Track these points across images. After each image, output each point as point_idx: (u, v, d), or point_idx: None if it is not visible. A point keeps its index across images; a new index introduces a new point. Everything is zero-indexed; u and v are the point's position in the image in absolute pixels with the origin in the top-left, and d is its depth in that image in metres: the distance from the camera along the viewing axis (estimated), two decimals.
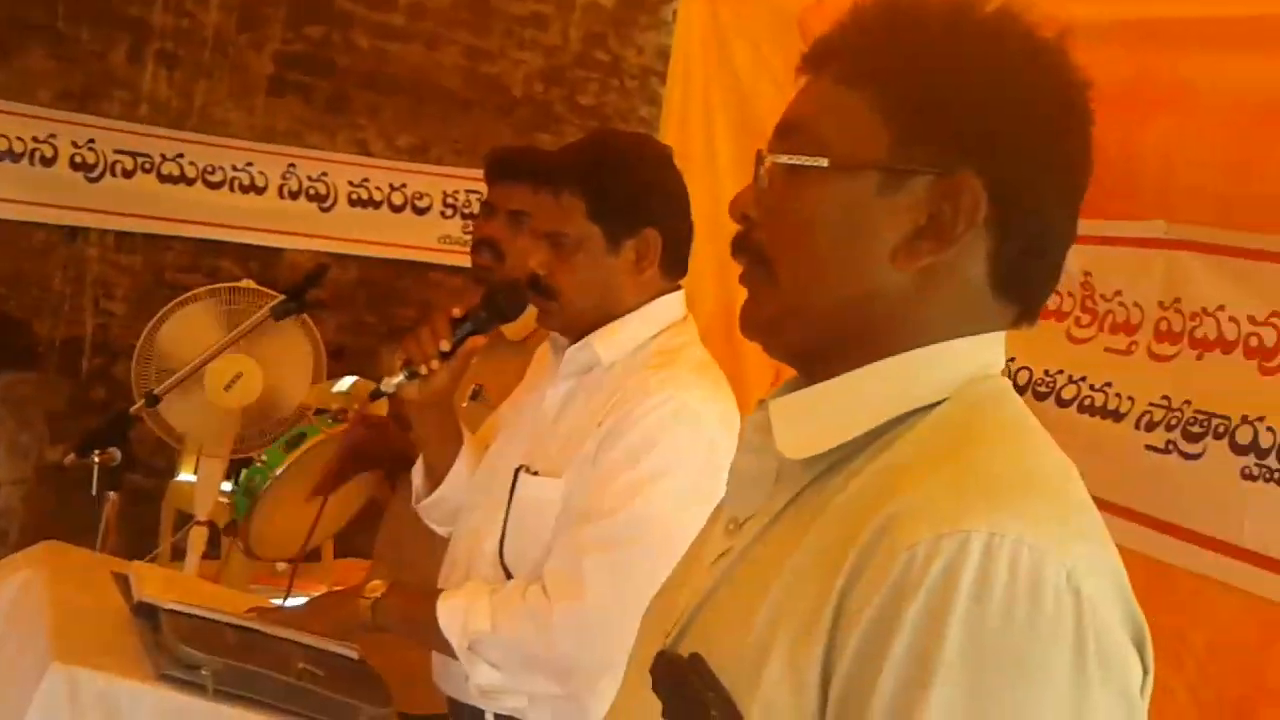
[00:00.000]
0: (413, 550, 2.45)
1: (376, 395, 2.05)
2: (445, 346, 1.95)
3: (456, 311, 2.00)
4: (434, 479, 2.10)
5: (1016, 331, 1.01)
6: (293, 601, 2.41)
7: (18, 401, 4.51)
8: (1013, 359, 2.28)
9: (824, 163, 0.95)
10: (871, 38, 0.98)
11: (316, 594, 2.42)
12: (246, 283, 3.77)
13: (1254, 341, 1.92)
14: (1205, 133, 2.00)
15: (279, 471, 3.10)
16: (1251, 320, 1.92)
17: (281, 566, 3.42)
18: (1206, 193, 1.99)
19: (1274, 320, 1.89)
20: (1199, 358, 1.98)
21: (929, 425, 0.93)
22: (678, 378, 1.84)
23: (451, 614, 1.82)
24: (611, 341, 1.92)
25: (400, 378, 1.95)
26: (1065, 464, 0.94)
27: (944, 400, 0.94)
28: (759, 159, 1.00)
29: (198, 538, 3.39)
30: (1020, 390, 2.25)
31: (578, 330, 1.95)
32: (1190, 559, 1.88)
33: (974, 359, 0.97)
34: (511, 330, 2.54)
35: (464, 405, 2.49)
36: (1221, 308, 1.96)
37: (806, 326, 0.99)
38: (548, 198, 1.93)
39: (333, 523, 3.11)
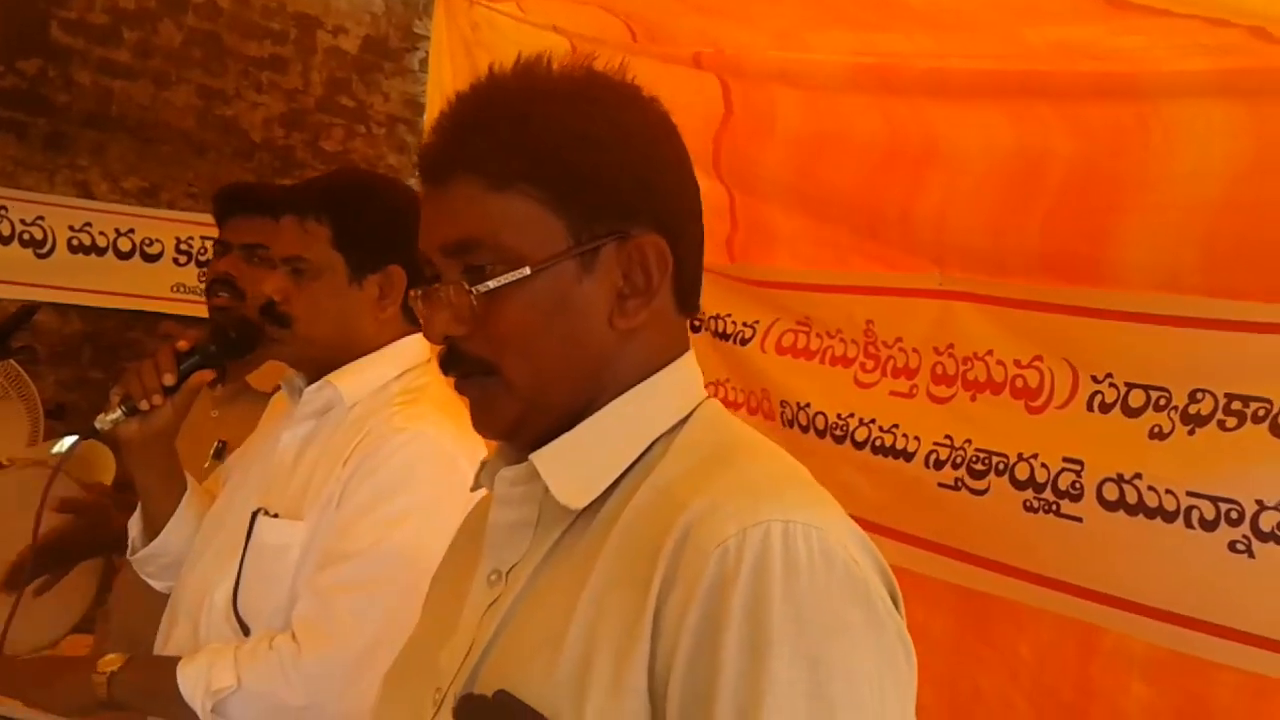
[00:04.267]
0: (145, 620, 2.29)
1: (91, 434, 1.89)
2: (169, 381, 1.85)
3: (183, 345, 1.91)
4: (153, 529, 1.98)
5: (811, 378, 1.20)
6: None
7: None
8: (808, 404, 2.36)
9: (526, 272, 1.01)
10: (497, 135, 1.03)
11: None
12: None
13: (1019, 383, 2.04)
14: (967, 188, 2.12)
15: None
16: (1017, 364, 2.04)
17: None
18: (975, 245, 2.12)
19: (1037, 363, 2.01)
20: (973, 399, 2.09)
21: (683, 446, 1.05)
22: (425, 415, 1.81)
23: (194, 676, 1.71)
24: (353, 381, 1.86)
25: (118, 414, 1.83)
26: (794, 461, 1.06)
27: (681, 422, 1.06)
28: (434, 283, 1.06)
29: None
30: (819, 433, 2.32)
31: (310, 363, 1.89)
32: (996, 586, 2.00)
33: (689, 379, 1.10)
34: (258, 381, 2.43)
35: (206, 465, 2.35)
36: (990, 352, 2.08)
37: (549, 412, 1.06)
38: (292, 222, 1.86)
39: (72, 612, 2.79)
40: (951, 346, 2.11)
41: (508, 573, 1.06)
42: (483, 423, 1.08)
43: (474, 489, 1.17)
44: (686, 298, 1.10)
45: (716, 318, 2.61)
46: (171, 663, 1.74)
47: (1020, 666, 2.06)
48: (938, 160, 2.18)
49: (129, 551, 2.02)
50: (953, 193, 2.16)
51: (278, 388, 2.38)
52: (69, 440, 3.40)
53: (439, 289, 1.06)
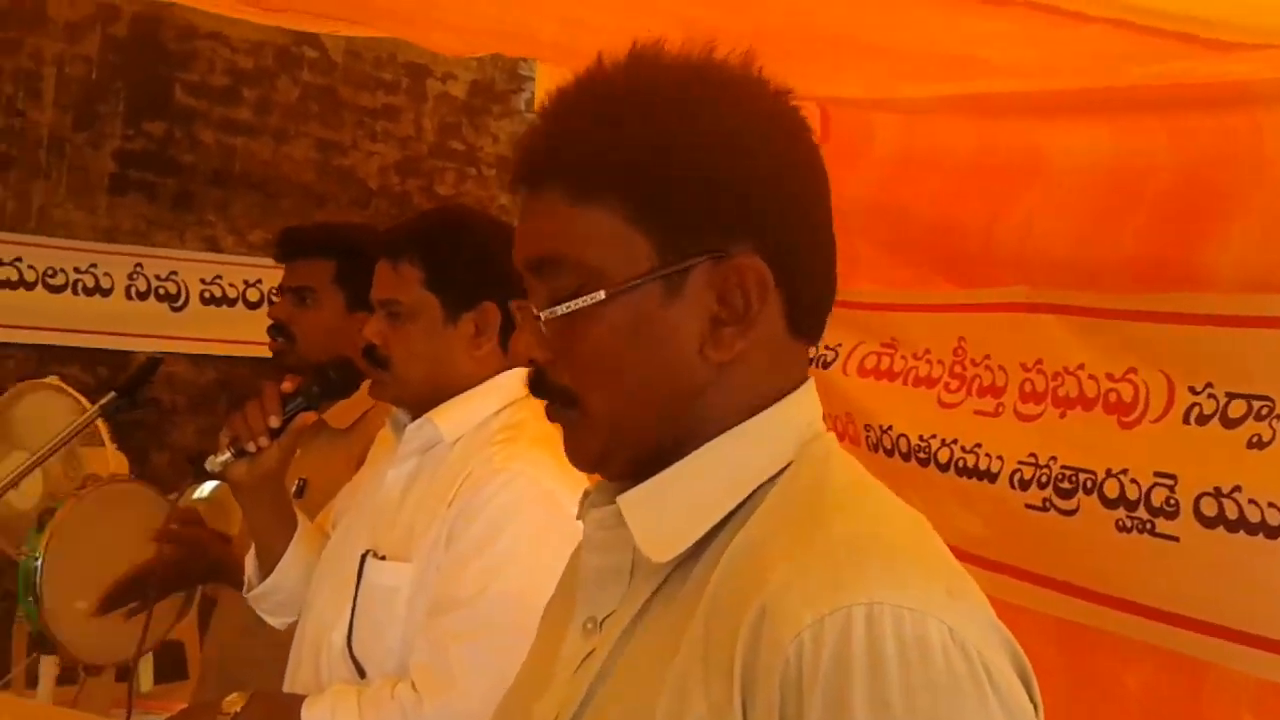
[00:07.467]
0: (246, 660, 2.35)
1: (201, 476, 1.93)
2: (275, 422, 1.87)
3: (287, 386, 1.93)
4: (267, 566, 2.02)
5: (894, 399, 1.02)
6: None
7: None
8: (890, 427, 2.33)
9: (602, 295, 0.91)
10: (585, 141, 0.92)
11: (174, 713, 2.28)
12: (51, 379, 3.58)
13: (1112, 397, 1.98)
14: (1060, 202, 2.08)
15: (39, 557, 2.87)
16: (1110, 377, 1.98)
17: (147, 687, 3.21)
18: (1063, 258, 2.08)
19: (1131, 376, 1.96)
20: (1062, 416, 2.03)
21: (778, 495, 0.92)
22: (525, 454, 1.79)
23: (318, 719, 1.73)
24: (453, 417, 1.87)
25: (227, 455, 1.86)
26: (914, 517, 0.93)
27: (787, 466, 0.93)
28: (523, 308, 0.97)
29: (50, 663, 3.17)
30: (904, 456, 2.29)
31: (412, 402, 1.91)
32: (1093, 617, 1.93)
33: (801, 417, 0.97)
34: (336, 418, 2.47)
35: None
36: (1081, 366, 2.03)
37: (635, 447, 0.95)
38: (385, 266, 1.89)
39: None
40: (1040, 362, 2.06)
41: (603, 621, 0.97)
42: (570, 454, 0.98)
43: (579, 518, 1.08)
44: (803, 322, 0.97)
45: None
46: (295, 702, 1.77)
47: (1129, 701, 1.96)
48: (1034, 175, 2.15)
49: (245, 589, 2.07)
50: (1043, 206, 2.12)
51: (354, 424, 2.46)
52: (209, 485, 3.54)
53: (527, 308, 0.96)
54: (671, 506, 0.93)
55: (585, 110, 0.93)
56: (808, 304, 0.96)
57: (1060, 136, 2.12)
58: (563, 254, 0.93)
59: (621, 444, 0.95)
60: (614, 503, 0.95)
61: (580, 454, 0.98)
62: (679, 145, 0.90)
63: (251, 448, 1.86)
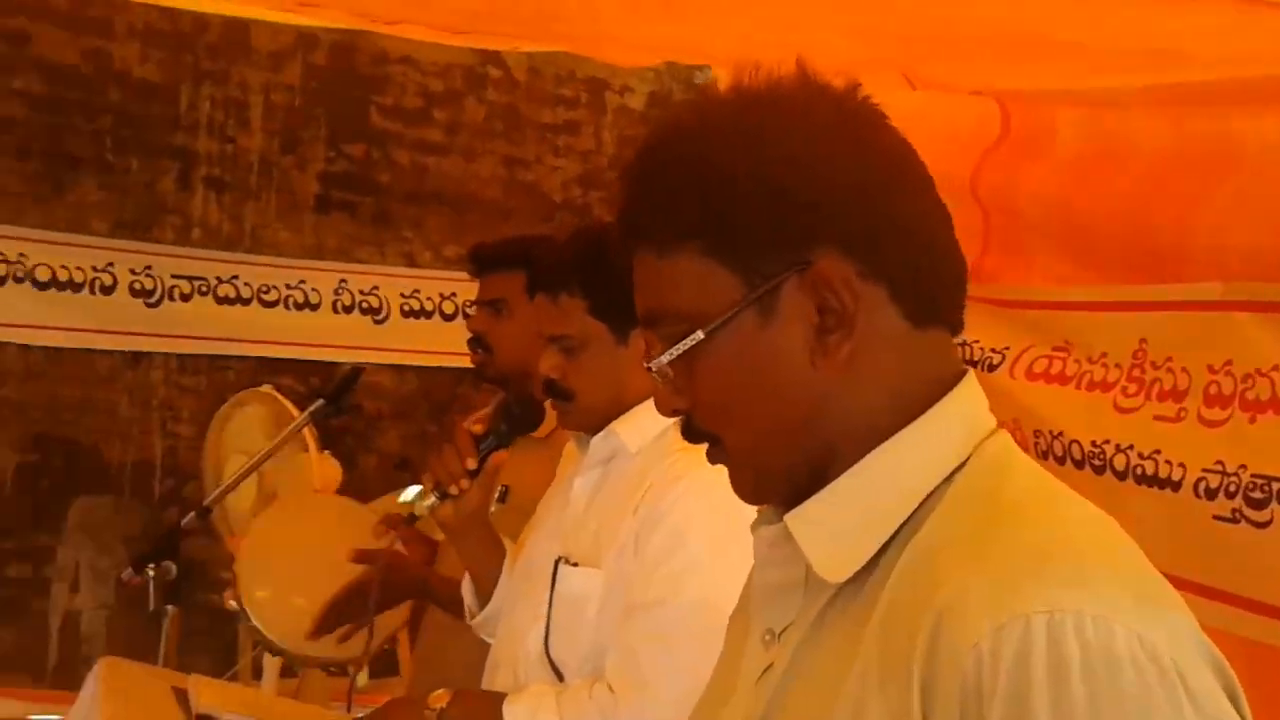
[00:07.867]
0: (452, 660, 2.44)
1: (412, 520, 2.05)
2: (471, 464, 1.97)
3: (478, 428, 2.03)
4: (484, 594, 2.12)
5: (1066, 404, 0.99)
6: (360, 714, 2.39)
7: (94, 527, 4.58)
8: (1061, 433, 2.28)
9: (700, 335, 0.94)
10: (656, 197, 0.96)
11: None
12: (266, 388, 3.83)
13: None
14: (1261, 193, 2.01)
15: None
16: None
17: (363, 681, 3.40)
18: (1264, 252, 2.01)
19: None
20: (1251, 420, 1.94)
21: (953, 498, 0.90)
22: (705, 461, 1.84)
23: (519, 717, 1.81)
24: (635, 428, 1.92)
25: (433, 499, 1.98)
26: (1102, 518, 0.90)
27: (960, 466, 0.92)
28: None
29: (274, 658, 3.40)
30: (1077, 464, 2.23)
31: (598, 426, 1.96)
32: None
33: (967, 412, 0.95)
34: None
35: (492, 510, 2.51)
36: (1276, 367, 1.94)
37: (783, 472, 0.97)
38: (545, 301, 1.94)
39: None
40: (1229, 363, 1.96)
41: (780, 633, 0.98)
42: (737, 492, 1.02)
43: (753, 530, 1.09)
44: (921, 309, 0.95)
45: (962, 344, 2.50)
46: (497, 700, 1.85)
47: None
48: (1232, 166, 2.07)
49: (467, 617, 2.18)
50: (1243, 198, 2.04)
51: (552, 431, 2.54)
52: (413, 489, 3.72)
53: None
54: (842, 523, 0.93)
55: (651, 167, 0.97)
56: (914, 290, 0.94)
57: (1261, 125, 2.04)
58: (663, 307, 0.97)
59: (769, 472, 0.98)
60: (782, 521, 0.96)
61: (740, 490, 1.01)
62: (735, 175, 0.92)
63: (454, 490, 1.98)
